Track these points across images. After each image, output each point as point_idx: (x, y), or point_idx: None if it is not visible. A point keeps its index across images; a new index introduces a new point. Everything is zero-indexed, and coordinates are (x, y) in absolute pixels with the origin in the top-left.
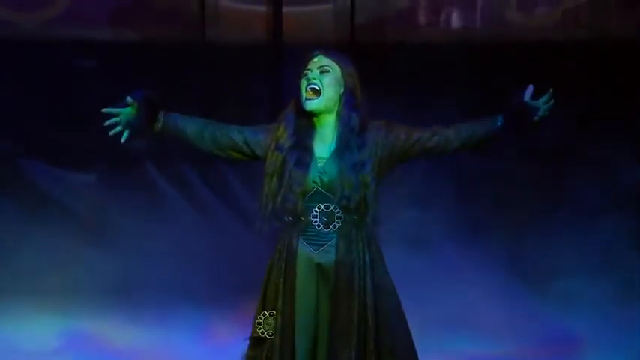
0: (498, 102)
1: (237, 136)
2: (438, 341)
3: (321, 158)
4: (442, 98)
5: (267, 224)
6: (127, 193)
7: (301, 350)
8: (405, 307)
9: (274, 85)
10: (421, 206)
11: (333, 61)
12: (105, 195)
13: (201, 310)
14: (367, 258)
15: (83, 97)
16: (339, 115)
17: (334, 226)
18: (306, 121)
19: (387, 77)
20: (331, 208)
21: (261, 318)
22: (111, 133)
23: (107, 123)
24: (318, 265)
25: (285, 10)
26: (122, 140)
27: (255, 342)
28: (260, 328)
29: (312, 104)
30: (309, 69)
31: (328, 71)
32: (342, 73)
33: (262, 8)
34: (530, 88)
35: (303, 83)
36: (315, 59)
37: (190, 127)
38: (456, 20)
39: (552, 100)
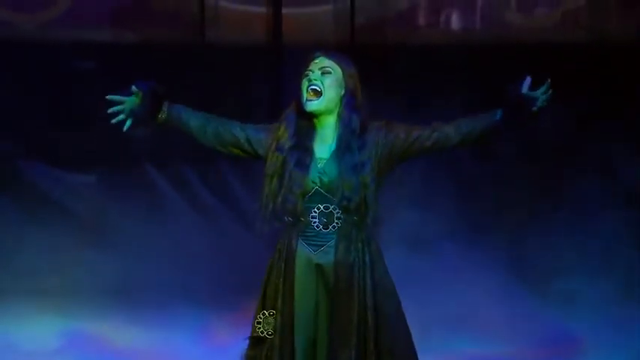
0: (498, 103)
1: (239, 133)
2: (437, 341)
3: (321, 159)
4: (442, 99)
5: (268, 225)
6: (127, 194)
7: (301, 350)
8: (405, 308)
9: (274, 86)
10: (421, 206)
11: (335, 62)
12: (105, 196)
13: (201, 310)
14: (367, 258)
15: (83, 98)
16: (339, 117)
17: (333, 227)
18: (307, 122)
19: (387, 78)
20: (330, 209)
21: (260, 317)
22: (113, 120)
23: (110, 110)
24: (318, 266)
25: (284, 11)
26: (124, 128)
27: (255, 341)
28: (260, 328)
29: (313, 105)
30: (310, 70)
31: (329, 72)
32: (343, 74)
33: (262, 9)
34: (528, 80)
35: (304, 84)
36: (317, 60)
37: (194, 120)
38: (455, 21)
39: (550, 90)
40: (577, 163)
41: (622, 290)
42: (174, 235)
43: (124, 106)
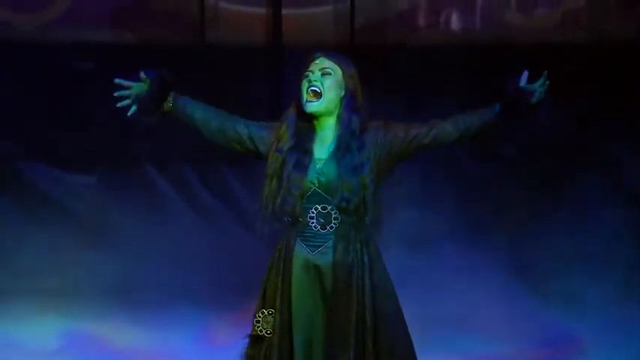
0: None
1: (243, 129)
2: (437, 342)
3: (319, 159)
4: (442, 99)
5: (268, 226)
6: (127, 194)
7: (300, 350)
8: (405, 308)
9: (274, 87)
10: (421, 206)
11: (335, 63)
12: (105, 196)
13: (201, 310)
14: (365, 259)
15: (83, 99)
16: (339, 118)
17: (331, 227)
18: (307, 123)
19: (387, 78)
20: (328, 209)
21: (260, 316)
22: (119, 104)
23: (117, 94)
24: (316, 267)
25: (284, 12)
26: (128, 114)
27: (254, 340)
28: (259, 327)
29: (313, 106)
30: (310, 71)
31: (330, 73)
32: (344, 75)
33: (262, 10)
34: (525, 74)
35: (304, 85)
36: (317, 61)
37: (199, 112)
38: (455, 22)
39: (548, 82)
40: (577, 163)
41: (622, 290)
42: (174, 235)
43: (130, 91)
